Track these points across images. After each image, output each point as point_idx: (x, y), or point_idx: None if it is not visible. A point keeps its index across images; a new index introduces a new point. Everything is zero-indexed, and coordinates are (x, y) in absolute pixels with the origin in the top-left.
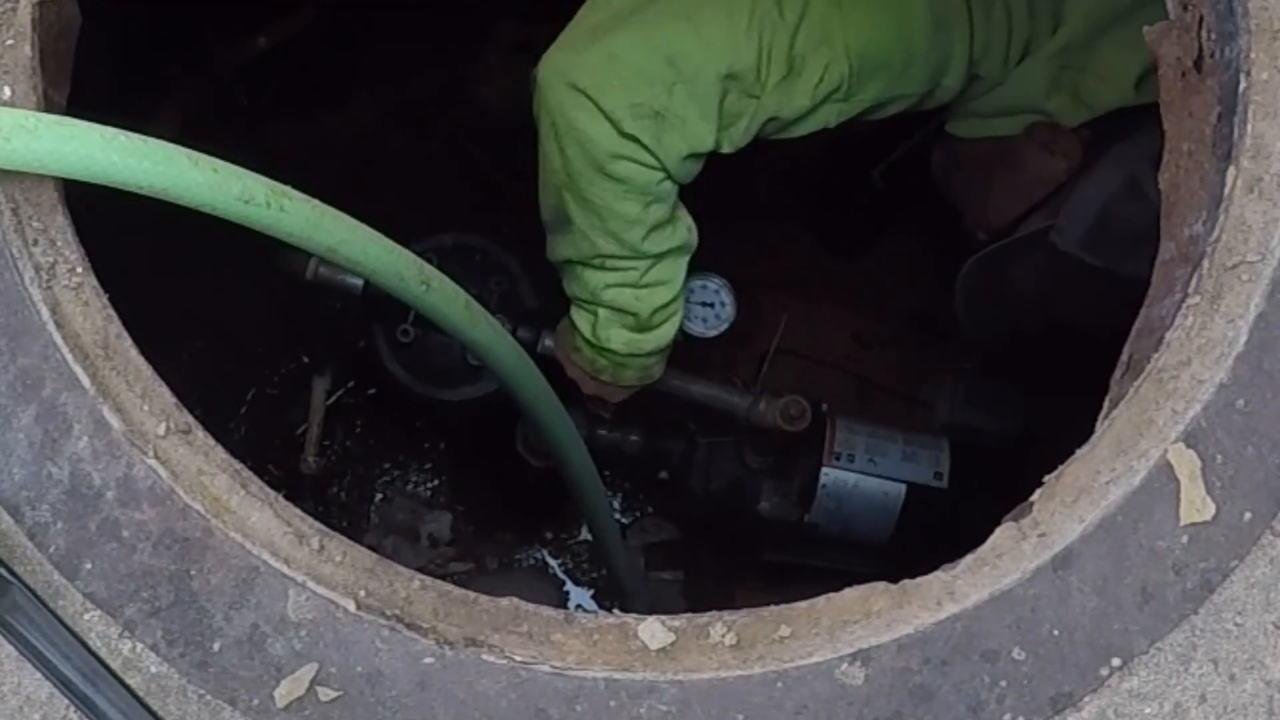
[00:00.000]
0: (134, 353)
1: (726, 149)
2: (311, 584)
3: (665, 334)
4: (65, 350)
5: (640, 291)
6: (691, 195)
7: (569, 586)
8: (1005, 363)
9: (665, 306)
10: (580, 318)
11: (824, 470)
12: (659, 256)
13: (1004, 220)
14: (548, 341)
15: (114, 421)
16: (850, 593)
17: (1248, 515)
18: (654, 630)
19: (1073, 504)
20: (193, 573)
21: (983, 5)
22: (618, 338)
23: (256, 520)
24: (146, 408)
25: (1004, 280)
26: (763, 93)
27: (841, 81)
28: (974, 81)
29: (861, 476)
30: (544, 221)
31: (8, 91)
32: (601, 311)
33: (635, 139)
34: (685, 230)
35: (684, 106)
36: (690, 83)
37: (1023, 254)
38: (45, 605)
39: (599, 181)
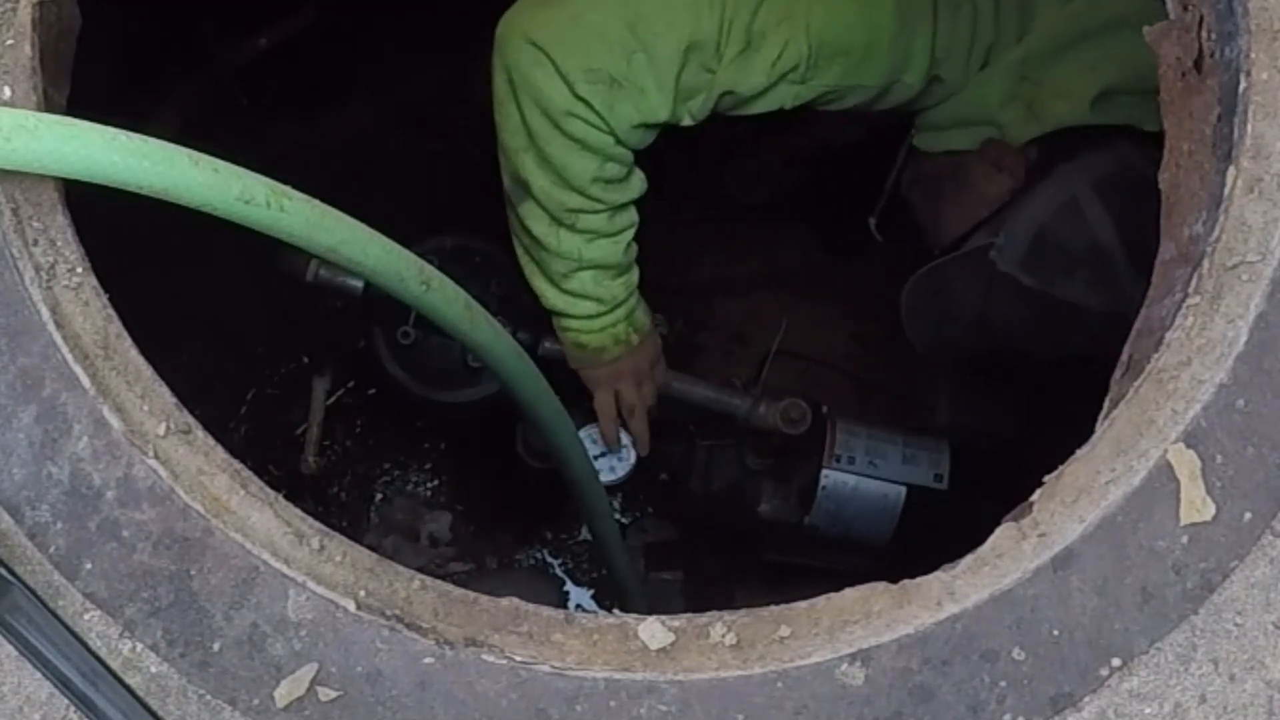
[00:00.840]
0: (134, 353)
1: (688, 121)
2: (311, 584)
3: (634, 268)
4: (65, 350)
5: (615, 238)
6: (692, 196)
7: (569, 586)
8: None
9: (632, 242)
10: (582, 307)
11: (824, 472)
12: (620, 206)
13: (952, 237)
14: (548, 343)
15: (114, 421)
16: (850, 593)
17: (1248, 515)
18: (654, 630)
19: (1073, 504)
20: (193, 573)
21: (950, 5)
22: (616, 286)
23: (256, 520)
24: (146, 408)
25: (945, 297)
26: (719, 66)
27: (799, 62)
28: (935, 84)
29: (862, 479)
30: (506, 193)
31: (8, 91)
32: (588, 277)
33: (586, 102)
34: (639, 182)
35: (642, 76)
36: (649, 52)
37: (963, 271)
38: (45, 605)
39: (556, 138)
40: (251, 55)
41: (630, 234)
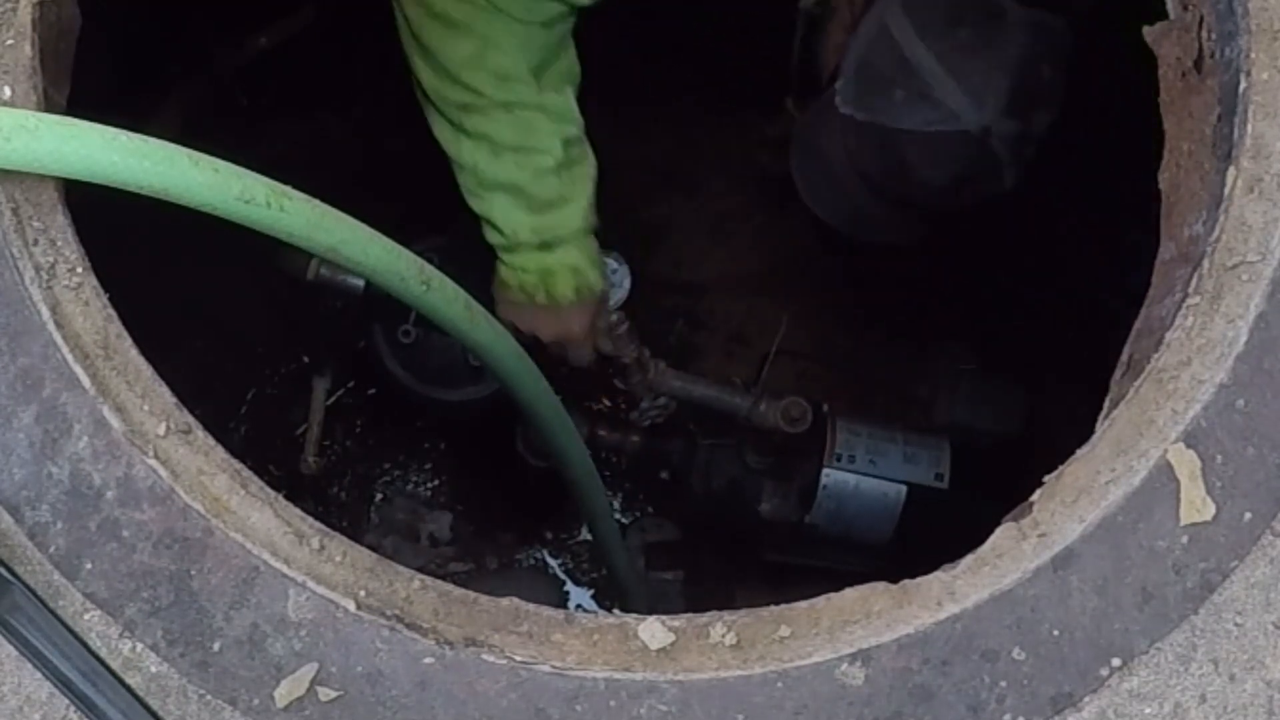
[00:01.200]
0: (134, 353)
1: None
2: (311, 584)
3: (569, 216)
4: (65, 350)
5: (520, 156)
6: (688, 192)
7: (569, 586)
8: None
9: (550, 174)
10: (491, 235)
11: (825, 471)
12: (509, 107)
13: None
14: None
15: (114, 421)
16: (850, 593)
17: (1248, 515)
18: (654, 630)
19: (1073, 504)
20: (193, 573)
21: None
22: (522, 225)
23: (256, 520)
24: (146, 408)
25: (817, 154)
26: None
27: None
28: None
29: (862, 478)
30: (423, 108)
31: (8, 91)
32: (497, 201)
33: None
34: (555, 99)
35: None
36: None
37: (821, 124)
38: (45, 605)
39: (427, 23)
40: (251, 55)
41: (546, 161)
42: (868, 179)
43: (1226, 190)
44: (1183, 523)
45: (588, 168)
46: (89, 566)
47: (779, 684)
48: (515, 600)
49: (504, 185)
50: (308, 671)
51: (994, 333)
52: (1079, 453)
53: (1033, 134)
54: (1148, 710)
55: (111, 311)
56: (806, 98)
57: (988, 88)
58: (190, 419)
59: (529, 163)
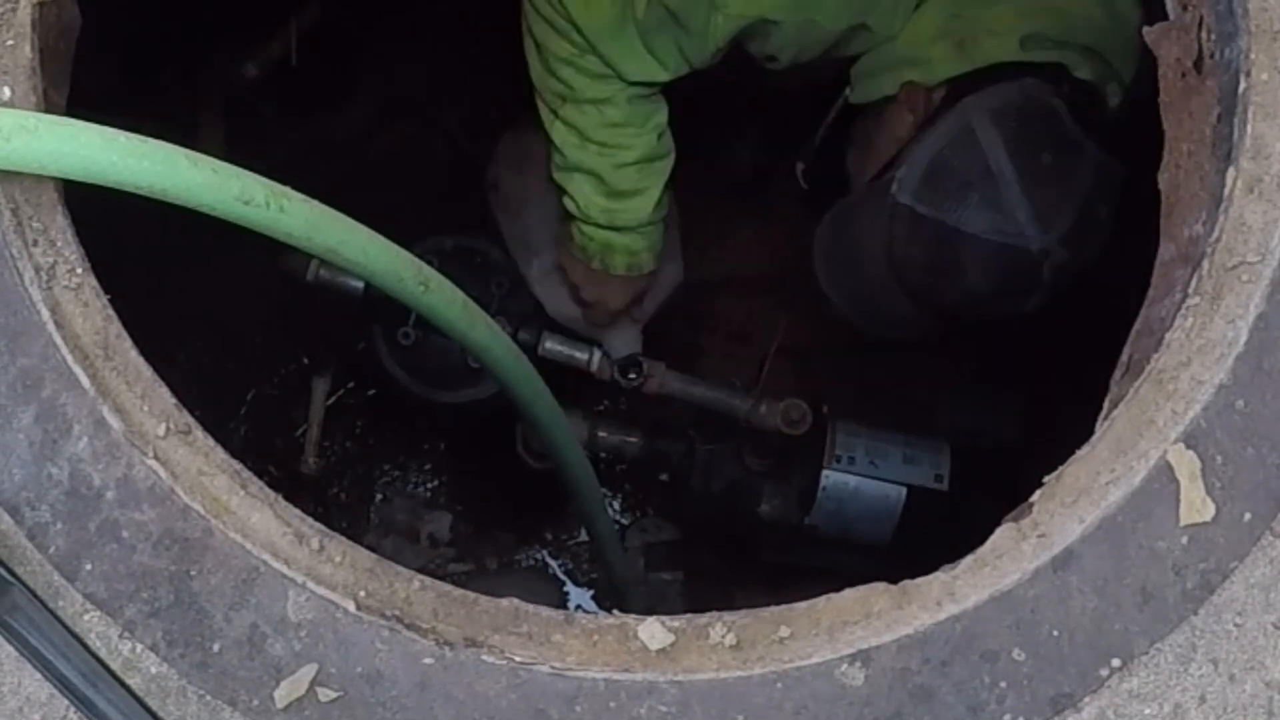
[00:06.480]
0: (134, 353)
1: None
2: (311, 584)
3: (640, 207)
4: (65, 350)
5: (601, 148)
6: (689, 192)
7: (569, 587)
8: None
9: (630, 166)
10: (567, 203)
11: (824, 473)
12: (599, 104)
13: (865, 180)
14: (548, 344)
15: (114, 422)
16: (850, 593)
17: (1248, 515)
18: (654, 631)
19: (1073, 504)
20: (193, 573)
21: None
22: (595, 205)
23: (256, 521)
24: (146, 408)
25: (851, 236)
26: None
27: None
28: (861, 33)
29: (862, 479)
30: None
31: (8, 91)
32: (576, 179)
33: None
34: (623, 90)
35: None
36: None
37: (867, 207)
38: (45, 605)
39: (537, 21)
40: (268, 65)
41: (627, 156)
42: (904, 271)
43: (1226, 190)
44: (1183, 523)
45: (666, 162)
46: (89, 567)
47: (779, 684)
48: (515, 601)
49: (585, 169)
50: (307, 672)
51: (994, 335)
52: (1079, 453)
53: (1076, 266)
54: (1147, 711)
55: (111, 312)
56: (823, 176)
57: (1057, 215)
58: (190, 419)
59: (611, 156)
